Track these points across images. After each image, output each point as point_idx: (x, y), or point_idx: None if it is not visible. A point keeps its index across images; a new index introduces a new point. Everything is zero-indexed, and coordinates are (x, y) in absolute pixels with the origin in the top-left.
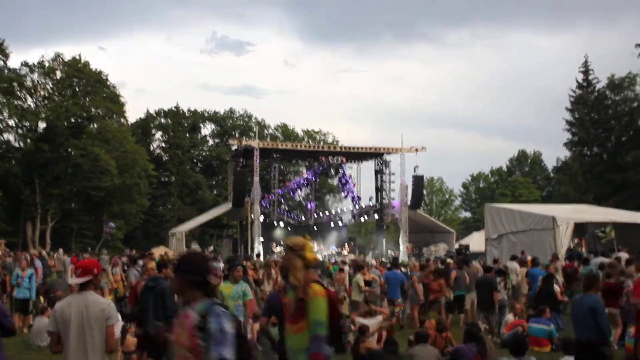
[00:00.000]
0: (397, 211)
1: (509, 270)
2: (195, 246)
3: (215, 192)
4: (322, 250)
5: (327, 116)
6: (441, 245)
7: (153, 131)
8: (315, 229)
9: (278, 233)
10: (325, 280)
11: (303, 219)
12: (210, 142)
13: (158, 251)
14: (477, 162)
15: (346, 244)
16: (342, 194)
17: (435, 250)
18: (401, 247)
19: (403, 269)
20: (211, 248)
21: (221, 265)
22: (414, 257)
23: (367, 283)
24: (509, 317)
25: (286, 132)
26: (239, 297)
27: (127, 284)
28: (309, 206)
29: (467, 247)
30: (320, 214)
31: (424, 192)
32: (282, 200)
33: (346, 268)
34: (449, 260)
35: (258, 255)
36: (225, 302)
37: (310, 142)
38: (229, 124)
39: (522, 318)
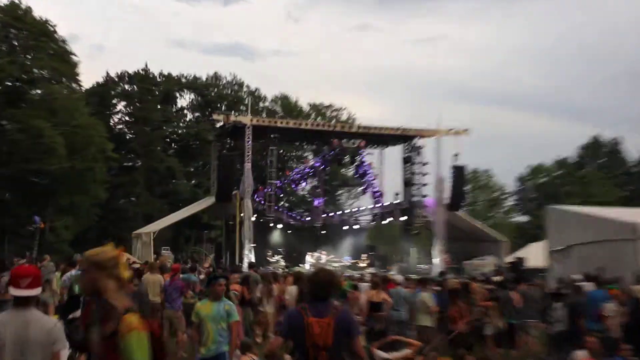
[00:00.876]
0: (430, 212)
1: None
2: (166, 252)
3: (193, 181)
4: (332, 261)
5: (341, 86)
6: (489, 258)
7: (114, 101)
8: (324, 233)
9: (275, 237)
10: (340, 301)
11: (308, 219)
12: (189, 116)
13: None
14: (536, 151)
15: (364, 253)
16: (360, 189)
17: (481, 265)
18: (435, 259)
19: (435, 288)
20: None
21: (200, 277)
22: (453, 272)
23: (375, 306)
24: (579, 354)
25: (287, 106)
26: (222, 318)
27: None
28: (316, 203)
29: (522, 260)
30: (331, 213)
31: (467, 187)
32: (281, 194)
33: (363, 285)
34: (496, 277)
35: (252, 266)
36: (205, 325)
37: (319, 119)
38: (213, 94)
39: (597, 357)
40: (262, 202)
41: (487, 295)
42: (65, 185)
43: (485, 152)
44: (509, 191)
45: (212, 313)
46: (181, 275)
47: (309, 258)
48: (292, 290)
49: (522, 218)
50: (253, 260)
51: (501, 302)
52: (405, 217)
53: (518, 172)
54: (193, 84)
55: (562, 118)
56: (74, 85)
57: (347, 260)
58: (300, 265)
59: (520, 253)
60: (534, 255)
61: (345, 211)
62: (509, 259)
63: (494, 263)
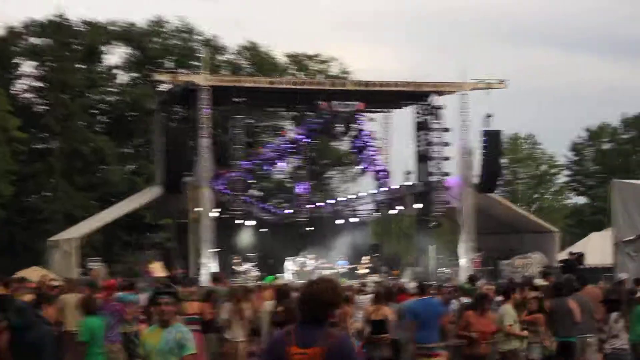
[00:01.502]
0: (455, 196)
1: None
2: (96, 265)
3: (130, 166)
4: (322, 267)
5: (330, 29)
6: (534, 256)
7: (17, 60)
8: (310, 229)
9: (245, 238)
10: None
11: (289, 211)
12: (122, 77)
13: (29, 274)
14: (597, 107)
15: (365, 256)
16: (358, 168)
17: (524, 265)
18: (462, 260)
19: (463, 299)
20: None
21: (142, 297)
22: (486, 275)
23: (377, 324)
24: None
25: (257, 59)
26: (172, 351)
27: None
28: (298, 189)
29: (580, 256)
30: (320, 202)
31: (503, 161)
32: (252, 179)
33: (361, 298)
34: (540, 281)
35: (216, 279)
36: (150, 359)
37: (300, 75)
38: (155, 46)
39: None
40: (226, 191)
41: (533, 306)
42: None
43: (529, 112)
44: (560, 163)
45: (159, 344)
46: (117, 294)
47: (290, 265)
48: (267, 308)
49: (579, 199)
50: (216, 269)
51: (555, 315)
52: (421, 205)
53: (573, 137)
54: (126, 34)
55: (628, 59)
56: None
57: (342, 265)
58: (278, 275)
59: (577, 247)
60: (596, 249)
61: (339, 199)
62: (563, 255)
63: (541, 262)
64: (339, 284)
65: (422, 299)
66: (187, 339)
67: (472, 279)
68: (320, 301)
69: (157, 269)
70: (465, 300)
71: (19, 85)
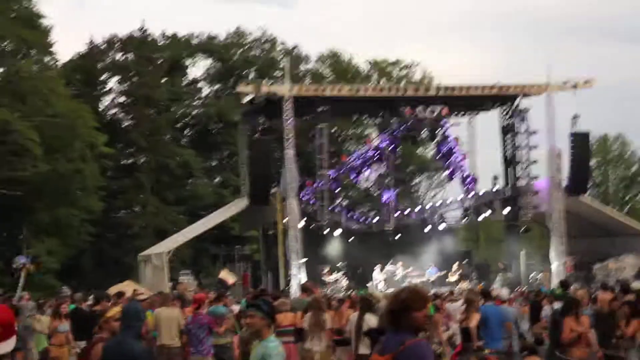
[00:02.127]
0: (544, 199)
1: None
2: (186, 278)
3: (217, 179)
4: (411, 275)
5: (411, 34)
6: (628, 258)
7: (103, 76)
8: (398, 238)
9: (333, 248)
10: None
11: (376, 220)
12: (205, 90)
13: (122, 288)
14: None
15: (456, 263)
16: (444, 174)
17: (617, 268)
18: (554, 264)
19: (555, 305)
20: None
21: (235, 309)
22: (579, 280)
23: (464, 332)
24: None
25: (339, 67)
26: None
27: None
28: (385, 197)
29: None
30: (407, 210)
31: (593, 162)
32: (338, 188)
33: (453, 305)
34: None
35: (305, 290)
36: None
37: (383, 82)
38: (237, 57)
39: None
40: (312, 201)
41: (628, 313)
42: (45, 196)
43: (618, 111)
44: None
45: (252, 358)
46: (207, 309)
47: (378, 274)
48: (352, 320)
49: None
50: (305, 280)
51: None
52: (509, 209)
53: None
54: (208, 46)
55: None
56: (46, 58)
57: (432, 273)
58: (368, 284)
59: None
60: None
61: (426, 206)
62: None
63: (635, 264)
64: (420, 289)
65: (489, 305)
66: (269, 354)
67: (563, 284)
68: (399, 307)
69: (227, 277)
70: (557, 305)
71: (105, 101)
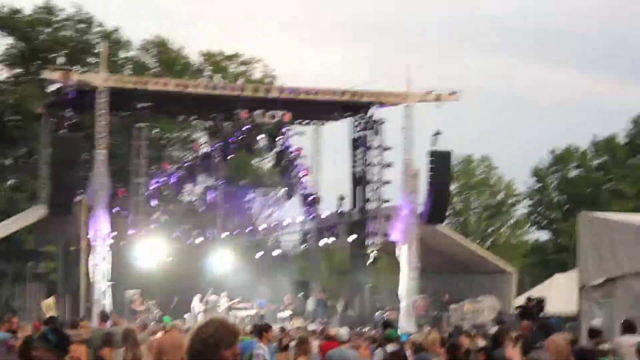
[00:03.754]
0: (395, 227)
1: (620, 353)
2: None
3: (10, 181)
4: (237, 307)
5: (254, 24)
6: (487, 300)
7: None
8: (224, 261)
9: (146, 271)
10: None
11: (199, 241)
12: (3, 73)
13: None
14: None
15: (287, 295)
16: (283, 190)
17: (474, 311)
18: (403, 302)
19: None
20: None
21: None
22: (430, 322)
23: None
24: None
25: (166, 57)
26: None
27: None
28: (210, 211)
29: (540, 302)
30: (236, 230)
31: (454, 186)
32: (157, 201)
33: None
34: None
35: (104, 317)
36: None
37: (217, 78)
38: (43, 37)
39: None
40: (125, 213)
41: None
42: None
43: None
44: (520, 192)
45: None
46: None
47: (197, 303)
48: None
49: (541, 234)
50: (108, 307)
51: None
52: (355, 236)
53: (535, 161)
54: (9, 21)
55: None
56: None
57: (261, 305)
58: (185, 315)
59: (538, 290)
60: (560, 293)
61: (260, 228)
62: (520, 300)
63: (494, 308)
64: (229, 322)
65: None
66: None
67: (386, 325)
68: (204, 345)
69: (48, 307)
70: (391, 348)
71: None
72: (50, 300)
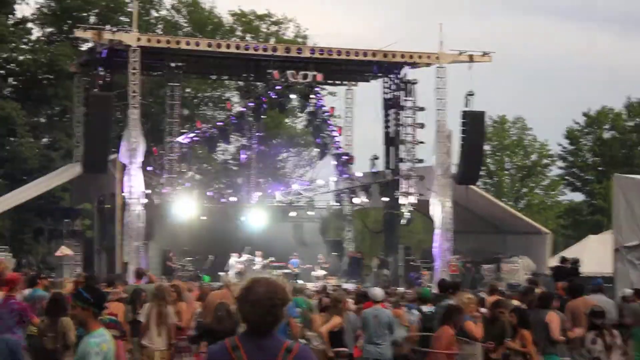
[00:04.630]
0: (430, 186)
1: None
2: (2, 255)
3: (45, 139)
4: (271, 266)
5: None
6: (522, 259)
7: None
8: (258, 221)
9: (181, 229)
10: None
11: (233, 199)
12: (36, 32)
13: None
14: (597, 89)
15: (321, 255)
16: (315, 150)
17: (509, 271)
18: (436, 262)
19: (427, 308)
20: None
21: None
22: (466, 282)
23: (335, 337)
24: None
25: (197, 17)
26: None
27: None
28: (244, 170)
29: (575, 262)
30: (269, 189)
31: (487, 147)
32: (189, 159)
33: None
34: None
35: (140, 276)
36: None
37: (248, 38)
38: None
39: None
40: (159, 172)
41: (514, 322)
42: None
43: (518, 91)
44: (553, 153)
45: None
46: (24, 292)
47: (235, 261)
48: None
49: (575, 196)
50: (145, 264)
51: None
52: (387, 197)
53: (568, 123)
54: None
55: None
56: None
57: (295, 265)
58: (220, 272)
59: (571, 251)
60: (594, 254)
61: (293, 187)
62: (554, 260)
63: (529, 267)
64: (281, 283)
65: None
66: (88, 352)
67: (445, 287)
68: (268, 305)
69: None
70: (427, 309)
71: None
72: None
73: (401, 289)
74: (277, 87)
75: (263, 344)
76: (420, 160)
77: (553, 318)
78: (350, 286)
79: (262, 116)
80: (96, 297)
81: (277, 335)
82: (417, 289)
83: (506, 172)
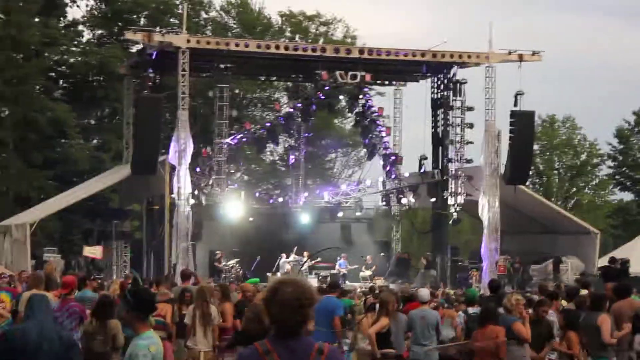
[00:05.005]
0: (478, 187)
1: None
2: (52, 256)
3: (94, 141)
4: (318, 267)
5: None
6: (571, 260)
7: None
8: (306, 222)
9: (229, 230)
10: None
11: (281, 200)
12: (86, 35)
13: None
14: None
15: (369, 256)
16: (363, 151)
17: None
18: (485, 263)
19: (473, 309)
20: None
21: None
22: (513, 282)
23: (383, 339)
24: None
25: (246, 18)
26: None
27: None
28: (292, 170)
29: (624, 263)
30: (317, 191)
31: (536, 147)
32: (238, 159)
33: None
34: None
35: (187, 277)
36: None
37: (297, 38)
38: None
39: None
40: (207, 172)
41: (562, 323)
42: None
43: (567, 91)
44: (603, 152)
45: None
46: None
47: (285, 261)
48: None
49: (625, 195)
50: (191, 266)
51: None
52: (437, 196)
53: (619, 122)
54: None
55: None
56: None
57: (342, 265)
58: (269, 273)
59: (621, 251)
60: None
61: (341, 188)
62: (603, 261)
63: (578, 267)
64: (307, 284)
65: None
66: (136, 354)
67: (494, 287)
68: (296, 306)
69: (94, 252)
70: (473, 310)
71: None
72: (88, 248)
73: (450, 290)
74: (326, 88)
75: (294, 345)
76: (469, 161)
77: (605, 320)
78: (396, 287)
79: (310, 117)
80: (139, 302)
81: (305, 337)
82: (465, 291)
83: (555, 171)
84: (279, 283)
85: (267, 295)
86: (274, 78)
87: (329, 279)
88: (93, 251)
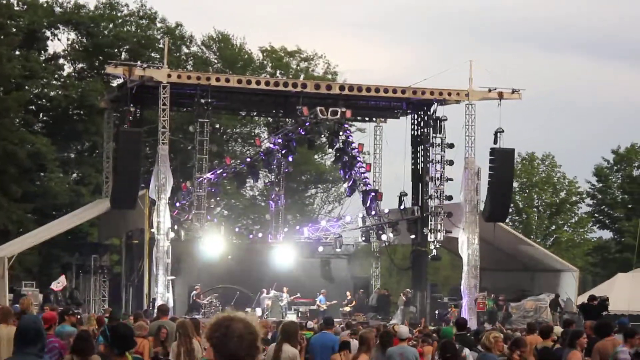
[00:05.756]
0: (458, 223)
1: None
2: (30, 290)
3: (74, 174)
4: (297, 302)
5: (317, 22)
6: (549, 297)
7: None
8: (285, 258)
9: (208, 265)
10: None
11: (260, 235)
12: (67, 68)
13: None
14: (626, 125)
15: (349, 292)
16: (343, 187)
17: (534, 308)
18: (465, 299)
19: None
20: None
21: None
22: (491, 320)
23: None
24: None
25: (228, 52)
26: None
27: None
28: (272, 206)
29: (604, 301)
30: (297, 227)
31: (515, 184)
32: (217, 194)
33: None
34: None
35: (162, 312)
36: None
37: (278, 74)
38: (107, 33)
39: None
40: (187, 207)
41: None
42: None
43: (546, 129)
44: (582, 190)
45: None
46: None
47: (264, 297)
48: (269, 352)
49: (604, 233)
50: (170, 301)
51: None
52: (416, 232)
53: (597, 160)
54: (74, 16)
55: None
56: None
57: (322, 301)
58: (249, 309)
59: (600, 289)
60: (623, 292)
61: (321, 223)
62: (582, 298)
63: (557, 304)
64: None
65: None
66: None
67: (459, 325)
68: (251, 339)
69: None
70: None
71: None
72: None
73: (431, 327)
74: (307, 124)
75: None
76: (449, 197)
77: (575, 356)
78: (375, 323)
79: (290, 153)
80: (114, 338)
81: None
82: (442, 329)
83: (534, 209)
84: (226, 319)
85: (219, 332)
86: (255, 113)
87: (308, 314)
88: (58, 284)
